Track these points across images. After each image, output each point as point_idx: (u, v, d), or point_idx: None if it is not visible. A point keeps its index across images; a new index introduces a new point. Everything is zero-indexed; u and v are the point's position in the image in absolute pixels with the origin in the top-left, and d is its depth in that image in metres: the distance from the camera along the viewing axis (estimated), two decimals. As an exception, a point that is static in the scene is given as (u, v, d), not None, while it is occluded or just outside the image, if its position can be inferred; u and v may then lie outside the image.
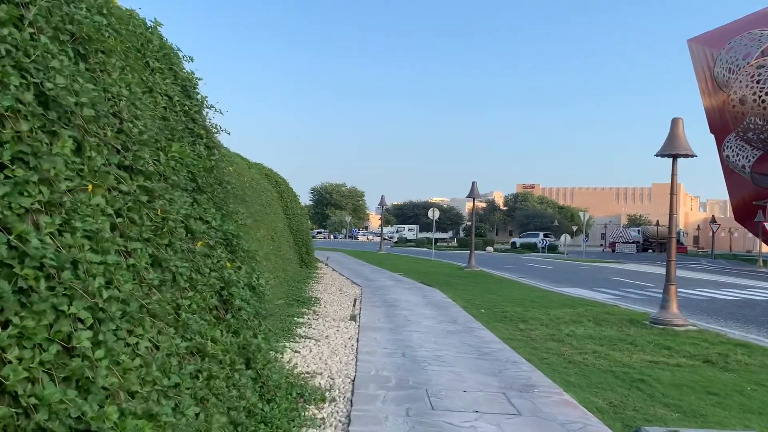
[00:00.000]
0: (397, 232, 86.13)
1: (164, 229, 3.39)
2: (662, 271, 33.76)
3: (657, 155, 12.05)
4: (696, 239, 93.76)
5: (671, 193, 12.08)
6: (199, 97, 5.28)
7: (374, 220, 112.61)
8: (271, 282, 7.98)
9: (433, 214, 34.76)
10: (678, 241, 79.28)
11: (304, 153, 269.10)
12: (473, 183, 26.95)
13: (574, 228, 67.40)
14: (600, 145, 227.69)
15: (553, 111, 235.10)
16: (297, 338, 8.60)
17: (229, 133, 5.80)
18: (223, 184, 5.23)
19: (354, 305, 10.74)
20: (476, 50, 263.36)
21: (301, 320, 10.36)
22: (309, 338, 8.69)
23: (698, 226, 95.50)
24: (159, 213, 3.39)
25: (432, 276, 22.46)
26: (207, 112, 5.81)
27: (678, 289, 12.65)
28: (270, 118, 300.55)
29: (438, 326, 10.67)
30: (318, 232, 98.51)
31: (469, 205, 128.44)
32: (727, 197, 50.35)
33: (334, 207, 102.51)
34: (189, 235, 4.09)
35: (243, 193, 10.81)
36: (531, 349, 9.16)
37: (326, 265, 26.14)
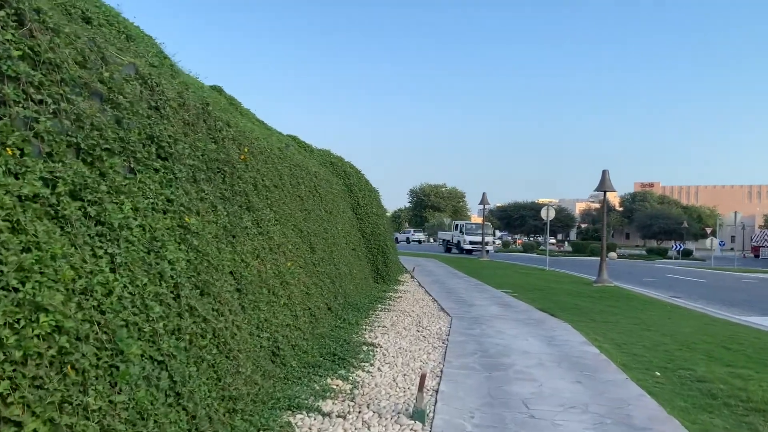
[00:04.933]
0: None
1: None
2: None
3: None
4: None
5: None
6: None
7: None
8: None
9: (548, 214, 28.35)
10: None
11: (406, 155, 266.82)
12: (604, 172, 20.48)
13: (708, 230, 58.04)
14: (724, 139, 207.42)
15: (669, 106, 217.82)
16: None
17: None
18: None
19: (421, 388, 5.24)
20: (594, 48, 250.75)
21: (307, 422, 5.03)
22: None
23: None
24: None
25: (552, 296, 16.46)
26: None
27: None
28: (371, 119, 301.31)
29: (599, 439, 5.02)
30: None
31: (580, 206, 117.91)
32: None
33: (432, 209, 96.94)
34: None
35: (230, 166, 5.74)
36: None
37: (412, 278, 20.78)
